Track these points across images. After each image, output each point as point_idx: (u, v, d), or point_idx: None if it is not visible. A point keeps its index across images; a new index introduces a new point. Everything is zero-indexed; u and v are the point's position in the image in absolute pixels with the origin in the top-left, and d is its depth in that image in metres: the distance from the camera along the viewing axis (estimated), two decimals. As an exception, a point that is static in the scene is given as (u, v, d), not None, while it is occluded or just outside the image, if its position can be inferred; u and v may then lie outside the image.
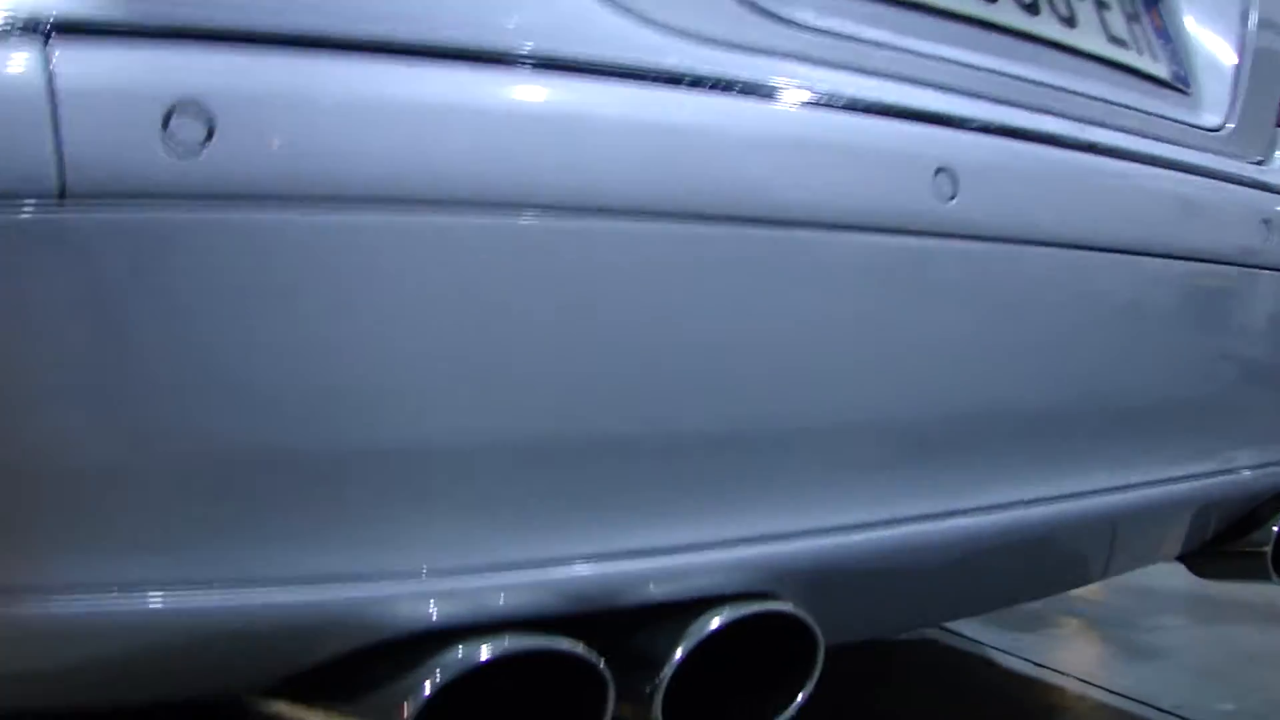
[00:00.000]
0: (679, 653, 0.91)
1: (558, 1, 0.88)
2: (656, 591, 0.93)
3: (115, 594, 0.78)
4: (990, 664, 2.38)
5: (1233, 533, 1.49)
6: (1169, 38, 1.52)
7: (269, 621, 0.81)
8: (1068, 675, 2.32)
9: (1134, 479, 1.24)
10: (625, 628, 0.92)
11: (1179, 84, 1.49)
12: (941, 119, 1.06)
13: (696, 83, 0.91)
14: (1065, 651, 2.52)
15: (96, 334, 0.73)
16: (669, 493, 0.91)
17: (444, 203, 0.79)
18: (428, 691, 0.81)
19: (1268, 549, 1.44)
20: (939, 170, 1.02)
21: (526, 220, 0.81)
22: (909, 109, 1.04)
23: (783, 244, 0.93)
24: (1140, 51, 1.44)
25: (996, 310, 1.08)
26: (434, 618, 0.84)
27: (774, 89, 0.96)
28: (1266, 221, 1.37)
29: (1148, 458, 1.25)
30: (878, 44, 1.09)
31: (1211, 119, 1.49)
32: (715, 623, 0.92)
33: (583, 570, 0.89)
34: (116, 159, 0.70)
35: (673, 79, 0.90)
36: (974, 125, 1.08)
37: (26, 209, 0.69)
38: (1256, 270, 1.36)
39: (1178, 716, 2.12)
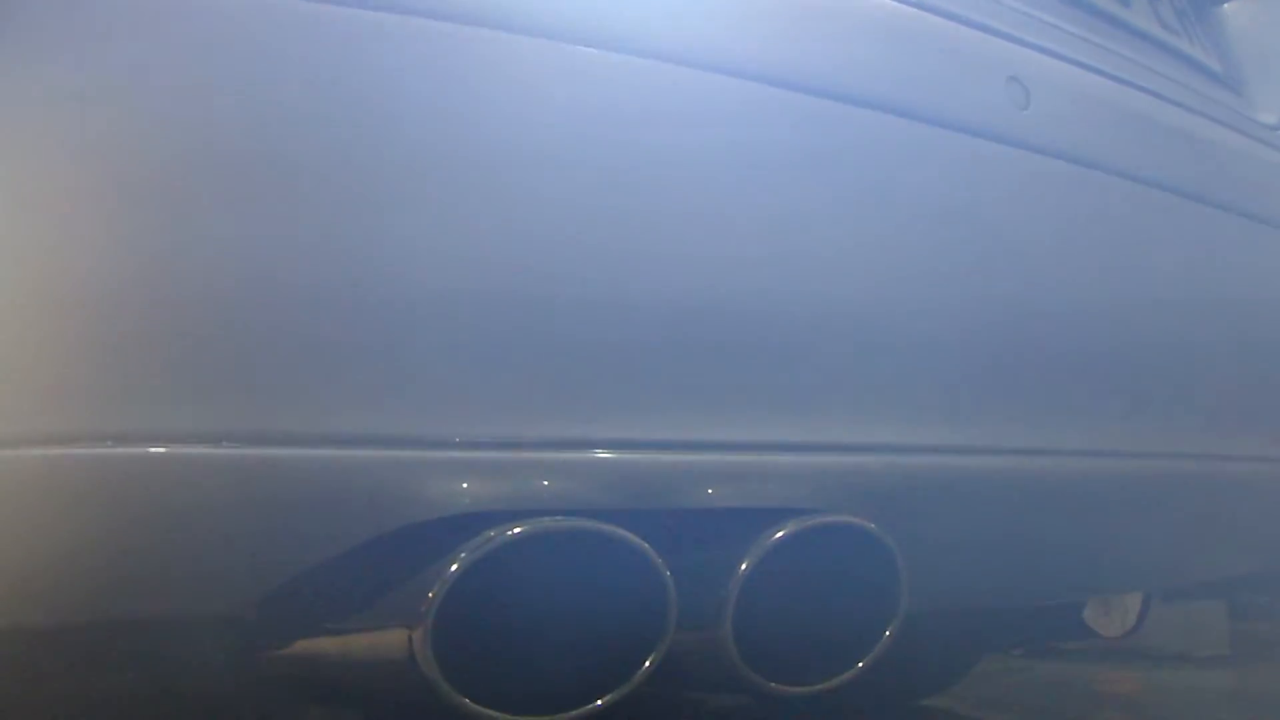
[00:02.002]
0: (744, 566, 0.80)
1: None
2: (719, 495, 0.82)
3: (111, 446, 0.67)
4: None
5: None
6: (1217, 40, 1.50)
7: (277, 484, 0.70)
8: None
9: (1211, 449, 1.14)
10: (684, 534, 0.80)
11: (1232, 82, 1.46)
12: (1009, 36, 1.01)
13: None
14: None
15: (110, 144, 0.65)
16: (738, 383, 0.81)
17: (497, 23, 0.73)
18: (455, 570, 0.69)
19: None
20: (1010, 79, 0.97)
21: (592, 56, 0.75)
22: (979, 22, 0.99)
23: (858, 128, 0.87)
24: (1193, 43, 1.41)
25: (1080, 233, 1.00)
26: (467, 496, 0.73)
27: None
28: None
29: (1221, 429, 1.15)
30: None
31: (1269, 118, 1.45)
32: (783, 532, 0.81)
33: (636, 458, 0.78)
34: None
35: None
36: (1043, 49, 1.04)
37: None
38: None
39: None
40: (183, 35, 0.66)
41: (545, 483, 0.75)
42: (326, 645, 0.81)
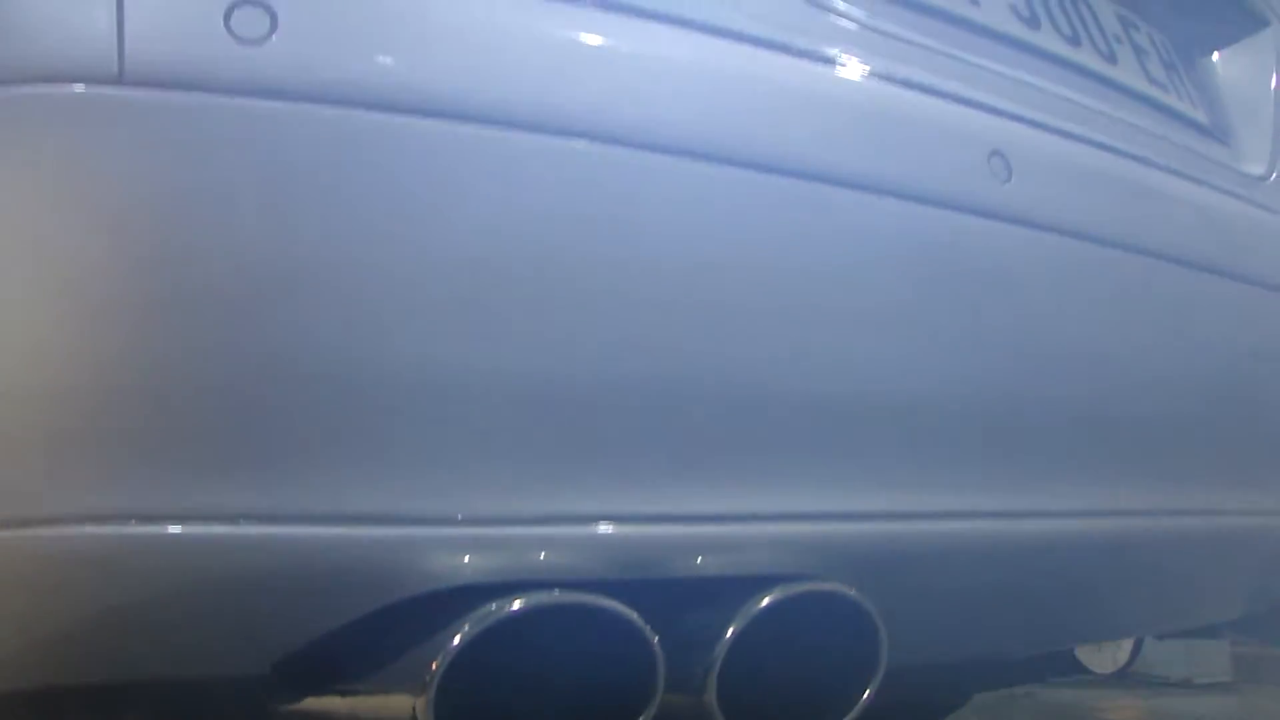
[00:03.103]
0: (730, 632, 0.84)
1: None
2: (707, 564, 0.86)
3: (132, 524, 0.72)
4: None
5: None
6: (1205, 91, 1.53)
7: (289, 559, 0.74)
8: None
9: (1195, 504, 1.17)
10: (673, 601, 0.85)
11: (1219, 134, 1.49)
12: (992, 108, 1.05)
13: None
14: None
15: (133, 225, 0.70)
16: (724, 457, 0.86)
17: (494, 121, 0.77)
18: (457, 643, 0.74)
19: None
20: (993, 153, 1.01)
21: (580, 148, 0.80)
22: (957, 94, 1.03)
23: (845, 208, 0.91)
24: (1180, 97, 1.45)
25: (1062, 302, 1.04)
26: (469, 569, 0.78)
27: (836, 64, 0.96)
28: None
29: (1205, 485, 1.19)
30: (924, 46, 1.09)
31: (1255, 169, 1.48)
32: (768, 600, 0.85)
33: (628, 531, 0.82)
34: (175, 45, 0.69)
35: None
36: (1026, 120, 1.08)
37: (84, 88, 0.68)
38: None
39: None
40: (192, 140, 0.71)
41: (542, 555, 0.80)
42: (336, 704, 0.86)
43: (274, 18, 0.71)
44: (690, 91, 0.86)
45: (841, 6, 1.03)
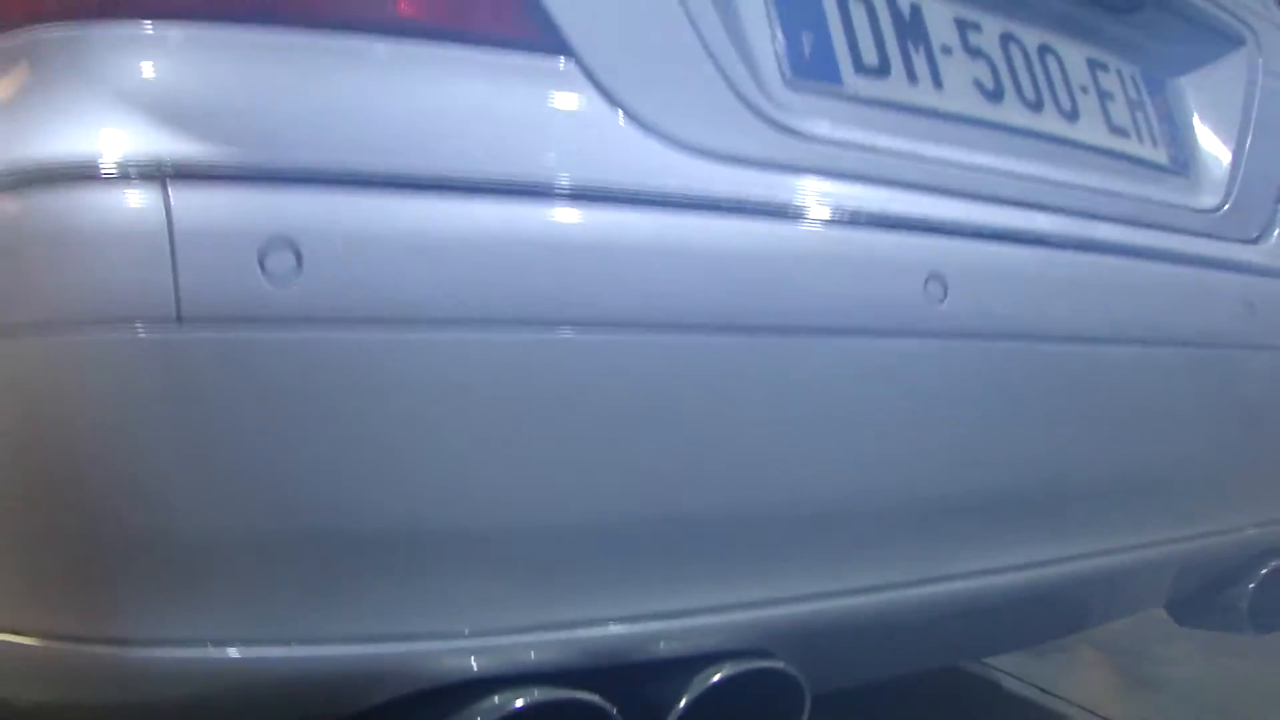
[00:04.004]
0: (683, 703, 1.05)
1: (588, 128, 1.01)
2: (664, 649, 1.06)
3: (209, 648, 0.93)
4: (997, 687, 2.49)
5: (1214, 586, 1.60)
6: (1172, 122, 1.61)
7: (332, 671, 0.95)
8: (1072, 704, 2.42)
9: (1117, 545, 1.35)
10: (636, 681, 1.05)
11: (1178, 168, 1.58)
12: (936, 227, 1.17)
13: (708, 204, 1.04)
14: (1072, 679, 2.62)
15: (197, 433, 0.87)
16: (675, 565, 1.05)
17: (491, 322, 0.92)
18: (465, 733, 0.96)
19: (1244, 603, 1.55)
20: (930, 277, 1.14)
21: (561, 336, 0.95)
22: (905, 218, 1.15)
23: (784, 348, 1.06)
24: (1141, 139, 1.53)
25: (986, 400, 1.19)
26: (473, 670, 0.98)
27: (778, 205, 1.08)
28: (1250, 304, 1.47)
29: (1132, 527, 1.37)
30: (886, 151, 1.20)
31: (1209, 200, 1.58)
32: (715, 678, 1.05)
33: (601, 631, 1.02)
34: (224, 287, 0.84)
35: (683, 201, 1.03)
36: (968, 231, 1.20)
37: (148, 331, 0.84)
38: (1239, 349, 1.46)
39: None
40: (241, 371, 0.87)
41: (531, 655, 1.00)
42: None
43: (299, 256, 0.86)
44: (659, 266, 1.00)
45: (807, 128, 1.14)
